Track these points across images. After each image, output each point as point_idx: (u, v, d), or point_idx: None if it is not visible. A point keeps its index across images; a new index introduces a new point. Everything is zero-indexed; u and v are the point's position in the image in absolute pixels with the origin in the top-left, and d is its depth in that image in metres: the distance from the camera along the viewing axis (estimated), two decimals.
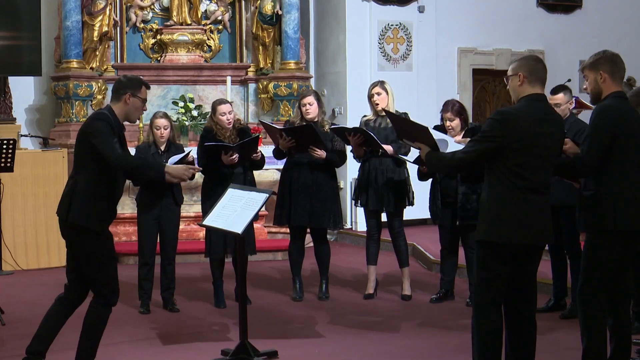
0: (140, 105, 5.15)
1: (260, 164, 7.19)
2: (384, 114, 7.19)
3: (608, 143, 4.55)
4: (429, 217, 7.42)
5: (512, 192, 4.37)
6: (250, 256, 7.27)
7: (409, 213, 7.50)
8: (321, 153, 7.08)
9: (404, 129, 5.21)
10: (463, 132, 6.93)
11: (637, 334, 5.75)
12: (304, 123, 7.16)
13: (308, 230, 7.47)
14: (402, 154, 7.05)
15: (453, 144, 5.06)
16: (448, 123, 6.94)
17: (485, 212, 4.47)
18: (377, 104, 7.23)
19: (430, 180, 7.10)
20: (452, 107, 6.97)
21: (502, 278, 4.46)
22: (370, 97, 7.29)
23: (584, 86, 4.84)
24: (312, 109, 7.21)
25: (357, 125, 7.33)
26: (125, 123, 5.23)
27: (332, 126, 7.35)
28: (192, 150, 7.03)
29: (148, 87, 5.23)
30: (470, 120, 11.33)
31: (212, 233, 6.88)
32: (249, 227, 6.84)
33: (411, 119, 7.29)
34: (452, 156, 4.59)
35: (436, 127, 7.09)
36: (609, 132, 4.55)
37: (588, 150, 4.60)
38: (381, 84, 7.29)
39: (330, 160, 7.20)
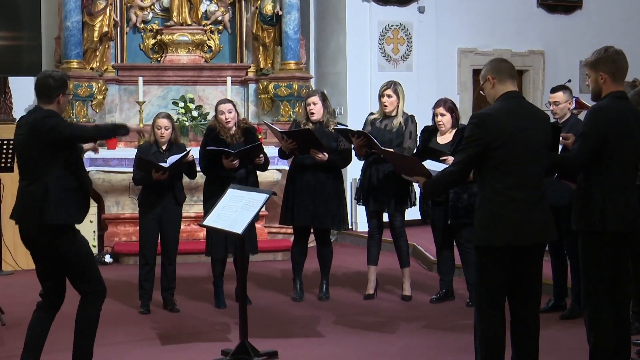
0: (67, 100, 5.19)
1: (264, 167, 7.19)
2: (392, 115, 7.18)
3: (599, 144, 4.55)
4: (420, 217, 7.42)
5: (499, 193, 4.37)
6: (251, 256, 7.29)
7: (408, 213, 7.50)
8: (322, 156, 7.06)
9: (400, 165, 5.32)
10: (454, 132, 6.96)
11: (637, 334, 5.75)
12: (305, 125, 7.18)
13: (311, 230, 7.47)
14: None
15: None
16: (439, 118, 6.98)
17: (478, 217, 4.48)
18: (386, 106, 7.21)
19: None
20: (444, 103, 7.04)
21: (501, 281, 4.45)
22: (380, 96, 7.27)
23: (586, 82, 4.84)
24: (316, 109, 7.20)
25: (360, 124, 7.35)
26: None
27: (337, 126, 7.33)
28: (193, 150, 7.05)
29: (69, 78, 5.24)
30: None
31: (213, 233, 6.88)
32: (250, 227, 6.87)
33: (416, 120, 7.33)
34: (442, 174, 4.66)
35: (426, 128, 7.12)
36: (601, 134, 4.54)
37: (578, 149, 4.61)
38: (394, 86, 7.24)
39: (332, 162, 7.19)
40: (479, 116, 4.46)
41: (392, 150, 6.77)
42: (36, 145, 4.99)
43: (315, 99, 7.23)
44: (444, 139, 6.96)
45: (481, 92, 4.62)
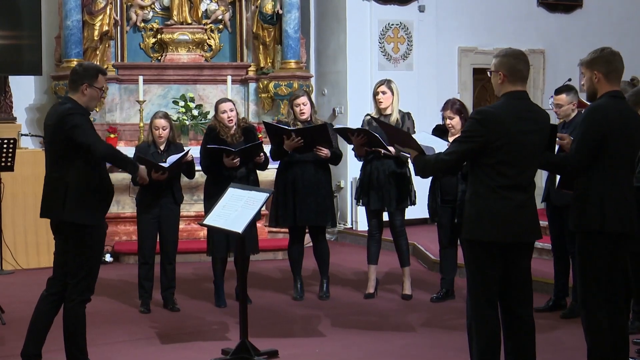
0: (97, 94, 5.13)
1: (263, 165, 7.19)
2: (388, 112, 7.21)
3: (596, 145, 4.54)
4: (429, 216, 7.42)
5: (492, 190, 4.36)
6: (251, 256, 7.28)
7: (409, 212, 7.50)
8: (327, 152, 7.10)
9: (394, 135, 5.29)
10: None
11: (637, 333, 5.75)
12: (295, 125, 7.17)
13: (307, 229, 7.47)
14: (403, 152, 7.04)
15: (441, 149, 5.08)
16: (448, 121, 6.99)
17: (468, 210, 4.48)
18: (381, 103, 7.23)
19: (430, 178, 7.10)
20: (452, 106, 7.01)
21: (493, 276, 4.45)
22: (375, 94, 7.29)
23: (582, 82, 4.84)
24: (306, 109, 7.24)
25: (360, 124, 7.35)
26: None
27: (335, 126, 7.36)
28: (191, 150, 7.04)
29: (104, 74, 5.21)
30: None
31: (215, 232, 6.88)
32: (251, 226, 6.88)
33: (413, 117, 7.34)
34: (436, 158, 4.61)
35: (437, 127, 7.11)
36: (598, 134, 4.54)
37: (575, 150, 4.60)
38: (387, 82, 7.29)
39: (332, 159, 7.22)
40: (483, 113, 4.42)
41: (387, 123, 6.71)
42: (60, 140, 5.04)
43: (304, 99, 7.27)
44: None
45: (488, 73, 4.59)
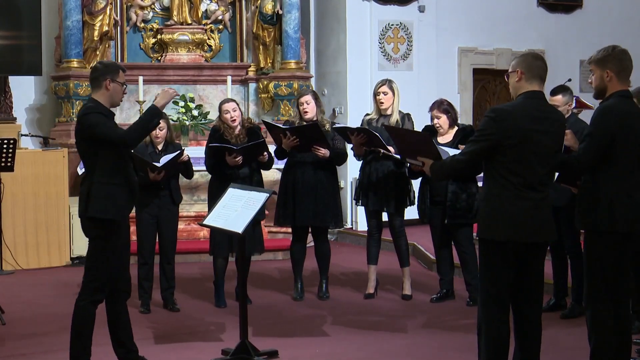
0: (120, 89, 5.18)
1: (268, 165, 7.19)
2: (388, 113, 7.21)
3: (606, 144, 4.55)
4: (419, 217, 7.42)
5: (507, 189, 4.37)
6: (252, 255, 7.28)
7: (408, 213, 7.50)
8: (325, 152, 7.08)
9: (406, 144, 5.25)
10: (454, 132, 6.97)
11: (637, 333, 5.75)
12: (304, 122, 7.17)
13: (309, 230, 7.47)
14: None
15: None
16: (435, 121, 7.01)
17: (483, 209, 4.48)
18: (382, 103, 7.23)
19: (420, 178, 7.12)
20: (438, 106, 7.04)
21: (504, 277, 4.44)
22: (375, 94, 7.29)
23: (589, 80, 4.83)
24: (309, 108, 7.21)
25: (359, 124, 7.34)
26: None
27: (335, 125, 7.35)
28: (187, 150, 7.04)
29: (124, 71, 5.28)
30: (471, 120, 11.45)
31: (217, 232, 6.87)
32: (255, 226, 6.89)
33: (412, 119, 7.34)
34: (451, 160, 4.63)
35: (427, 127, 7.12)
36: (608, 134, 4.54)
37: (585, 149, 4.60)
38: (388, 83, 7.28)
39: (332, 159, 7.21)
40: (497, 111, 4.43)
41: (402, 129, 6.70)
42: (83, 140, 5.11)
43: (308, 98, 7.24)
44: (444, 139, 6.96)
45: (505, 77, 4.61)
